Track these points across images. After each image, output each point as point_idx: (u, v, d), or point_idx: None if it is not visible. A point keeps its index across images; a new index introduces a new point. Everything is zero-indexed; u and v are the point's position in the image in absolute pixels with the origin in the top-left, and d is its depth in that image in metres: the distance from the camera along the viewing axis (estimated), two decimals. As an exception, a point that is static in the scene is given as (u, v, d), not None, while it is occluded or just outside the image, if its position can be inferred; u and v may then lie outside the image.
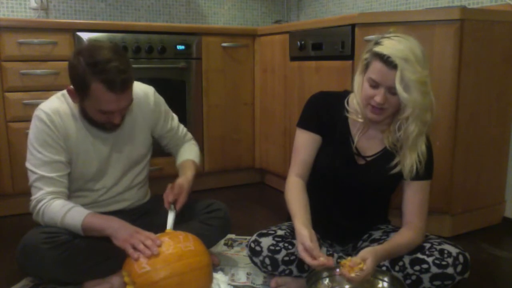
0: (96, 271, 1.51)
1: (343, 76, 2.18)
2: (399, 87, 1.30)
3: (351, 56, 2.14)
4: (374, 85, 1.35)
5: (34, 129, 1.52)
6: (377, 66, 1.34)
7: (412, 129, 1.38)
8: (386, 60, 1.31)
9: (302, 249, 1.30)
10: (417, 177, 1.44)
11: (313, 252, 1.28)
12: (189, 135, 1.92)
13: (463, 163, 2.02)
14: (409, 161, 1.42)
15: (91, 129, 1.58)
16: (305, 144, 1.53)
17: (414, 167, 1.42)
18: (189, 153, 1.84)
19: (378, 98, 1.35)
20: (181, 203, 1.60)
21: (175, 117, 1.86)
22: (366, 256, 1.29)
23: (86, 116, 1.54)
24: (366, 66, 1.39)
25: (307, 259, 1.28)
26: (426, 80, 1.33)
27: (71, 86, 1.47)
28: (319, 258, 1.27)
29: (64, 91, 1.58)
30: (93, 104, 1.46)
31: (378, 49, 1.34)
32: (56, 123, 1.52)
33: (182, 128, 1.89)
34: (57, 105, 1.55)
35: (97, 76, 1.39)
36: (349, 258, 1.31)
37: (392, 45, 1.32)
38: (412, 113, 1.35)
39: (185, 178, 1.67)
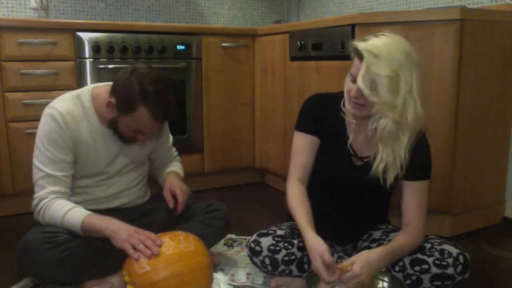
0: (96, 271, 1.51)
1: (343, 76, 2.17)
2: (360, 79, 1.30)
3: (351, 56, 2.14)
4: (353, 79, 1.36)
5: (45, 127, 1.53)
6: (354, 61, 1.36)
7: (383, 126, 1.35)
8: (359, 54, 1.32)
9: (321, 262, 1.28)
10: (415, 177, 1.44)
11: (331, 267, 1.28)
12: (179, 158, 1.95)
13: (463, 163, 2.02)
14: (379, 159, 1.39)
15: (104, 129, 1.60)
16: (303, 146, 1.52)
17: (382, 166, 1.38)
18: (174, 166, 1.86)
19: (353, 92, 1.35)
20: (183, 206, 1.67)
21: (171, 136, 1.89)
22: (355, 259, 1.28)
23: (111, 125, 1.57)
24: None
25: (324, 275, 1.27)
26: (396, 76, 1.28)
27: (112, 100, 1.50)
28: (335, 272, 1.27)
29: (79, 92, 1.61)
30: (131, 124, 1.51)
31: (355, 44, 1.35)
32: (69, 124, 1.54)
33: (174, 151, 1.92)
34: (71, 106, 1.57)
35: (147, 104, 1.46)
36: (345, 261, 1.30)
37: (371, 40, 1.33)
38: (379, 109, 1.33)
39: (176, 180, 1.74)
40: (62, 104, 1.56)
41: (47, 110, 1.55)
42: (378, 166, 1.40)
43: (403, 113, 1.33)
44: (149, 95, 1.45)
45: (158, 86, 1.47)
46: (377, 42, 1.32)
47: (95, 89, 1.62)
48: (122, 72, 1.51)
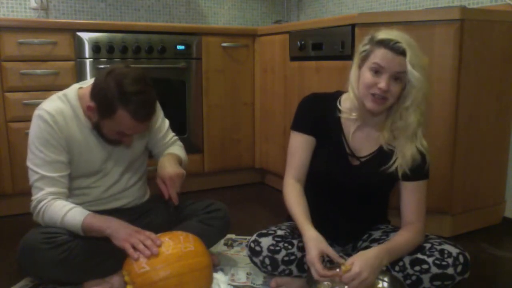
0: (96, 271, 1.51)
1: (343, 76, 2.17)
2: (410, 68, 1.32)
3: (351, 56, 2.14)
4: (378, 70, 1.35)
5: (36, 129, 1.52)
6: (381, 53, 1.34)
7: (412, 119, 1.38)
8: (393, 46, 1.32)
9: (317, 254, 1.29)
10: (414, 177, 1.44)
11: (338, 259, 1.30)
12: (178, 142, 1.86)
13: (463, 163, 2.02)
14: (409, 153, 1.41)
15: (94, 130, 1.59)
16: (300, 146, 1.52)
17: (411, 160, 1.41)
18: (172, 150, 1.78)
19: (382, 84, 1.33)
20: (176, 194, 1.60)
21: (167, 121, 1.82)
22: (352, 260, 1.29)
23: (96, 127, 1.55)
24: (365, 58, 1.39)
25: (319, 267, 1.27)
26: (426, 65, 1.36)
27: (92, 104, 1.49)
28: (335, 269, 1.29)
29: (66, 92, 1.59)
30: (113, 126, 1.50)
31: (382, 36, 1.35)
32: (59, 124, 1.53)
33: (172, 136, 1.83)
34: (60, 106, 1.55)
35: (125, 105, 1.43)
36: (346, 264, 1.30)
37: (394, 33, 1.35)
38: (414, 100, 1.36)
39: (166, 167, 1.63)
40: (51, 104, 1.55)
41: (36, 112, 1.54)
42: (413, 160, 1.42)
43: (425, 100, 1.40)
44: (128, 96, 1.42)
45: (136, 86, 1.44)
46: (398, 33, 1.35)
47: (80, 90, 1.60)
48: (100, 74, 1.49)
